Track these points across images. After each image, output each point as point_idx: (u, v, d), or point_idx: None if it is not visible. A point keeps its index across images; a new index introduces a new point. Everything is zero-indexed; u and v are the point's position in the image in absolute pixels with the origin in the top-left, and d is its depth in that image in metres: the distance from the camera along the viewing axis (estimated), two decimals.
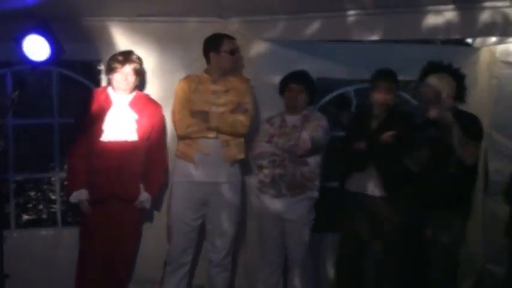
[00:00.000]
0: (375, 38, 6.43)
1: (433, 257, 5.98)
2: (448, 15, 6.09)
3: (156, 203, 6.63)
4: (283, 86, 6.38)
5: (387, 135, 5.85)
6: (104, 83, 6.68)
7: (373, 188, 6.01)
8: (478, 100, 7.22)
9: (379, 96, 6.12)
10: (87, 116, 6.31)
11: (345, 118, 6.57)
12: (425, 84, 6.02)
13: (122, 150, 6.28)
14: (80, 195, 6.30)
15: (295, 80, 6.34)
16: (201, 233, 6.49)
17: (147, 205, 6.45)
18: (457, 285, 6.31)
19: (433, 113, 5.76)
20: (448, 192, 5.81)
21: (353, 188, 6.11)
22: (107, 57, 6.47)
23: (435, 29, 6.16)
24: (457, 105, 6.03)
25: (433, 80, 5.99)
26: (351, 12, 6.36)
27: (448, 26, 6.11)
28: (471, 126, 5.81)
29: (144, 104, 6.44)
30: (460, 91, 5.98)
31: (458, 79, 6.05)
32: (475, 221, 7.37)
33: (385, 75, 6.17)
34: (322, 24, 6.48)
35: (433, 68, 6.11)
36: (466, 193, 5.98)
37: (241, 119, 6.23)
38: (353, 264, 6.14)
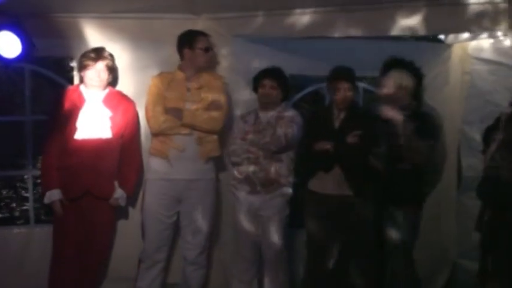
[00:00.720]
0: (349, 34, 6.44)
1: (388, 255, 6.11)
2: (422, 11, 6.10)
3: (131, 201, 6.60)
4: (257, 83, 6.37)
5: (352, 136, 5.86)
6: (76, 79, 6.63)
7: (338, 188, 6.00)
8: (451, 96, 7.28)
9: (338, 96, 6.10)
10: (60, 114, 6.26)
11: None
12: (387, 77, 6.08)
13: (96, 147, 6.25)
14: (53, 195, 6.26)
15: (269, 76, 6.34)
16: (176, 230, 6.48)
17: (122, 202, 6.42)
18: (417, 284, 6.35)
19: (384, 112, 5.89)
20: (395, 190, 5.89)
21: (317, 188, 6.08)
22: (79, 53, 6.44)
23: (408, 25, 6.18)
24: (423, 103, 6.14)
25: (395, 75, 6.03)
26: (326, 9, 6.37)
27: (422, 22, 6.12)
28: (423, 125, 5.87)
29: (118, 100, 6.41)
30: (418, 90, 5.99)
31: (418, 78, 6.10)
32: (449, 217, 7.43)
33: (342, 75, 6.11)
34: (296, 21, 6.48)
35: (395, 63, 6.16)
36: (413, 191, 6.03)
37: (215, 115, 6.23)
38: (319, 263, 6.14)
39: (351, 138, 5.86)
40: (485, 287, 5.76)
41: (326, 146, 5.92)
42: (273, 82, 6.33)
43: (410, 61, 6.23)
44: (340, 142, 5.89)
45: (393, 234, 6.12)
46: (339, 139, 5.92)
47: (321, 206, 6.03)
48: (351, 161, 5.92)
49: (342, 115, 6.07)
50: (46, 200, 6.29)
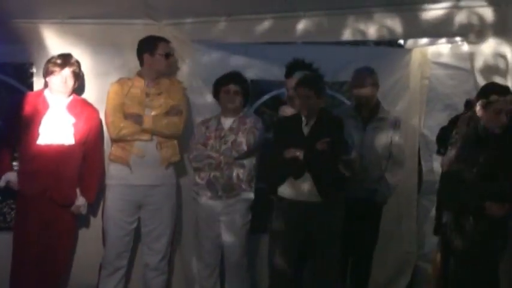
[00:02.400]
0: (308, 39, 6.46)
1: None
2: (384, 16, 6.13)
3: (93, 208, 6.55)
4: (219, 88, 6.36)
5: (322, 143, 5.87)
6: (36, 86, 6.59)
7: (308, 194, 5.97)
8: (411, 100, 7.34)
9: (299, 103, 6.07)
10: (18, 119, 6.21)
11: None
12: (291, 79, 6.21)
13: (58, 154, 6.22)
14: (8, 177, 6.26)
15: (232, 81, 6.33)
16: (137, 236, 6.45)
17: (83, 210, 6.38)
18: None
19: (283, 112, 6.16)
20: None
21: (286, 194, 6.05)
22: (39, 59, 6.42)
23: (369, 30, 6.21)
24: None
25: (299, 76, 6.14)
26: (285, 15, 6.38)
27: (384, 27, 6.16)
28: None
29: (82, 107, 6.38)
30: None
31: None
32: (411, 220, 7.49)
33: (304, 82, 6.03)
34: (256, 27, 6.48)
35: (298, 65, 6.25)
36: None
37: (175, 121, 6.23)
38: (285, 269, 6.13)
39: (320, 145, 5.85)
40: None
41: (296, 153, 5.90)
42: (236, 87, 6.32)
43: (311, 63, 6.31)
44: (310, 149, 5.89)
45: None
46: (308, 146, 5.92)
47: (290, 212, 6.01)
48: (320, 168, 5.91)
49: (312, 122, 6.05)
50: (1, 183, 6.27)
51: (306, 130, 6.02)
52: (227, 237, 6.34)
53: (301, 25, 6.33)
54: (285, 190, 6.05)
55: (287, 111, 6.33)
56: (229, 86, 6.32)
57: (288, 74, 6.41)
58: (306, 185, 5.94)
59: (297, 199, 5.97)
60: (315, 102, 5.97)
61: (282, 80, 6.64)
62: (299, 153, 5.87)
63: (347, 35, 6.28)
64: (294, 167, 5.93)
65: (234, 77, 6.37)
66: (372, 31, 6.19)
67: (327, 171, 5.90)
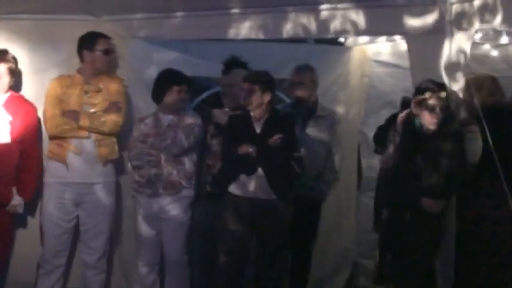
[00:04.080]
0: (248, 36, 6.46)
1: None
2: (324, 14, 6.15)
3: (30, 207, 6.47)
4: (166, 88, 6.28)
5: (274, 139, 5.89)
6: None
7: (260, 191, 5.98)
8: (350, 98, 7.40)
9: (255, 100, 6.10)
10: None
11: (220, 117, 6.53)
12: (229, 77, 6.36)
13: None
14: None
15: (178, 81, 6.28)
16: (76, 234, 6.40)
17: (20, 209, 6.31)
18: None
19: (214, 117, 6.27)
20: None
21: (238, 191, 6.03)
22: None
23: (311, 27, 6.22)
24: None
25: (236, 73, 6.30)
26: (226, 12, 6.36)
27: (324, 24, 6.17)
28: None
29: (19, 105, 6.29)
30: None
31: None
32: (350, 217, 7.55)
33: (250, 78, 6.07)
34: (197, 23, 6.47)
35: (235, 63, 6.37)
36: None
37: (114, 118, 6.20)
38: (233, 266, 6.14)
39: (273, 141, 5.88)
40: (382, 286, 5.85)
41: (249, 149, 5.91)
42: (181, 86, 6.29)
43: (246, 61, 6.40)
44: (262, 145, 5.91)
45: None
46: (261, 143, 5.94)
47: (242, 209, 6.02)
48: (273, 164, 5.93)
49: (264, 119, 6.06)
50: None
51: (258, 127, 6.04)
52: (167, 235, 6.32)
53: (241, 23, 6.32)
54: (234, 187, 6.05)
55: (220, 115, 6.34)
56: (178, 85, 6.26)
57: (225, 71, 6.44)
58: (254, 182, 5.96)
59: (245, 196, 5.98)
60: (260, 97, 5.99)
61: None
62: (252, 150, 5.89)
63: (286, 33, 6.28)
64: (247, 164, 5.94)
65: (180, 75, 6.33)
66: (312, 27, 6.19)
67: (280, 168, 5.94)
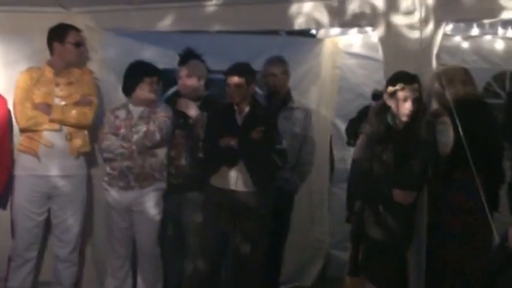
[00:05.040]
0: (223, 28, 6.44)
1: None
2: (296, 6, 6.14)
3: (1, 200, 6.38)
4: (138, 80, 6.26)
5: (257, 132, 5.91)
6: None
7: (241, 183, 6.01)
8: (322, 90, 7.41)
9: (230, 93, 6.09)
10: None
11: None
12: (184, 68, 6.44)
13: None
14: None
15: (151, 74, 6.28)
16: (47, 227, 6.36)
17: None
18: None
19: (180, 104, 6.33)
20: None
21: (219, 184, 6.07)
22: None
23: (284, 19, 6.21)
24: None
25: (192, 65, 6.41)
26: (198, 3, 6.34)
27: (295, 17, 6.17)
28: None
29: None
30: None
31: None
32: (322, 209, 7.58)
33: (235, 71, 6.09)
34: (169, 15, 6.43)
35: (191, 54, 6.42)
36: None
37: (85, 111, 6.16)
38: (214, 258, 6.16)
39: (255, 134, 5.91)
40: (356, 277, 5.87)
41: (230, 141, 5.93)
42: (153, 78, 6.28)
43: (200, 54, 6.46)
44: (244, 138, 5.92)
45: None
46: (242, 135, 5.95)
47: (223, 201, 6.04)
48: (254, 157, 5.95)
49: (245, 111, 6.08)
50: None
51: (239, 119, 6.06)
52: (140, 227, 6.32)
53: (212, 15, 6.30)
54: (215, 179, 6.08)
55: (185, 104, 6.37)
56: (151, 78, 6.26)
57: (182, 62, 6.47)
58: (235, 174, 5.99)
59: (229, 188, 6.02)
60: (246, 90, 6.04)
61: None
62: (233, 142, 5.90)
63: (258, 25, 6.28)
64: (228, 156, 5.97)
65: (153, 68, 6.33)
66: (283, 19, 6.18)
67: (261, 160, 5.98)
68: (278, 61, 6.75)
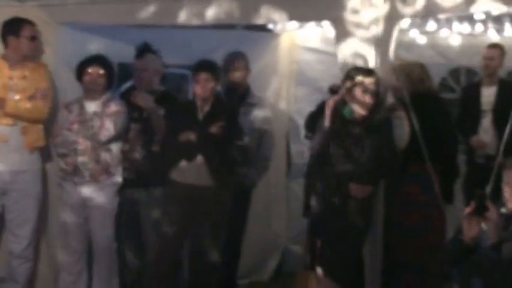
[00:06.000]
0: (177, 23, 6.42)
1: None
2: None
3: None
4: (82, 70, 6.25)
5: (216, 126, 5.91)
6: None
7: (200, 178, 6.01)
8: (279, 85, 7.42)
9: (198, 88, 6.12)
10: None
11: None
12: (141, 61, 6.46)
13: None
14: None
15: (94, 63, 6.23)
16: (1, 223, 6.29)
17: None
18: None
19: (135, 98, 6.33)
20: None
21: (179, 178, 6.08)
22: None
23: (241, 14, 6.20)
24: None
25: (149, 58, 6.44)
26: None
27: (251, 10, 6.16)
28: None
29: None
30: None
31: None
32: (280, 204, 7.58)
33: (203, 67, 6.11)
34: (124, 9, 6.38)
35: (148, 48, 6.45)
36: None
37: (40, 105, 6.10)
38: (173, 252, 6.15)
39: (214, 129, 5.92)
40: (312, 271, 5.89)
41: (190, 136, 5.93)
42: (99, 69, 6.23)
43: (156, 49, 6.47)
44: (204, 132, 5.93)
45: None
46: (203, 130, 5.96)
47: (182, 195, 6.05)
48: (213, 152, 5.97)
49: (206, 108, 6.10)
50: None
51: (200, 115, 6.08)
52: (95, 223, 6.28)
53: (169, 9, 6.28)
54: (178, 173, 6.09)
55: (140, 97, 6.36)
56: (92, 68, 6.22)
57: (138, 56, 6.46)
58: (195, 169, 5.99)
59: (188, 183, 6.03)
60: (213, 86, 6.08)
61: None
62: (193, 137, 5.92)
63: (214, 19, 6.26)
64: (187, 150, 5.97)
65: (98, 59, 6.28)
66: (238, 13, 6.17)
67: (220, 156, 6.00)
68: (240, 56, 6.78)
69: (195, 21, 6.28)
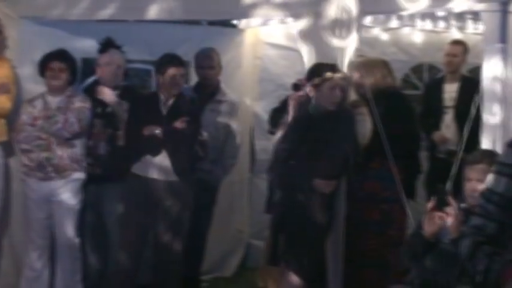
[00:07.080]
0: (141, 18, 6.42)
1: None
2: None
3: None
4: (44, 66, 6.21)
5: (181, 121, 5.92)
6: None
7: (163, 173, 6.02)
8: (243, 80, 7.43)
9: (164, 81, 6.11)
10: None
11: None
12: (104, 56, 6.41)
13: None
14: None
15: (56, 59, 6.19)
16: None
17: None
18: None
19: (99, 92, 6.33)
20: None
21: (141, 172, 6.07)
22: None
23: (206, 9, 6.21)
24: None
25: (113, 54, 6.40)
26: None
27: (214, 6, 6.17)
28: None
29: None
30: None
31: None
32: (243, 199, 7.60)
33: (170, 62, 6.11)
34: (88, 4, 6.36)
35: (111, 43, 6.40)
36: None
37: (2, 99, 6.08)
38: (135, 248, 6.15)
39: (179, 124, 5.92)
40: (275, 266, 5.91)
41: (155, 130, 5.93)
42: (61, 65, 6.20)
43: (120, 44, 6.44)
44: (168, 127, 5.93)
45: None
46: (167, 124, 5.96)
47: (145, 190, 6.05)
48: (177, 147, 5.98)
49: (170, 102, 6.10)
50: None
51: (164, 109, 6.08)
52: (58, 218, 6.24)
53: (132, 4, 6.28)
54: (141, 168, 6.08)
55: (104, 91, 6.36)
56: (54, 63, 6.18)
57: (101, 51, 6.43)
58: (157, 163, 6.00)
59: (151, 177, 6.03)
60: (182, 81, 6.14)
61: None
62: (158, 131, 5.91)
63: (184, 14, 6.28)
64: (152, 145, 5.98)
65: (60, 54, 6.24)
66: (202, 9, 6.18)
67: (184, 150, 6.02)
68: (214, 52, 6.81)
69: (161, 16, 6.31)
